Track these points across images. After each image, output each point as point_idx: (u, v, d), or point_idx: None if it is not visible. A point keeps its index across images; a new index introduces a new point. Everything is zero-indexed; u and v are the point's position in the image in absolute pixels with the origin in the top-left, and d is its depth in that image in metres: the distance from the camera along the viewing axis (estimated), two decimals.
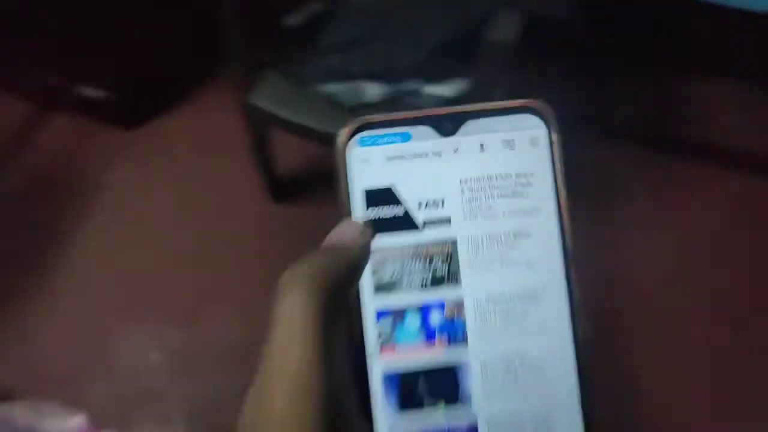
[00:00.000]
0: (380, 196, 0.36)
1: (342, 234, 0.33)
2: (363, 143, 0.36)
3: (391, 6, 1.27)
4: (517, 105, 0.37)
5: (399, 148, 0.36)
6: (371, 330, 0.35)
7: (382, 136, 0.36)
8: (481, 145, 0.36)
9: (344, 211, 0.36)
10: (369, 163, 0.36)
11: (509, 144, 0.37)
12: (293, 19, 1.13)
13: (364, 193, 0.36)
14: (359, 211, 0.36)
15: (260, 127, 1.11)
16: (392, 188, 0.36)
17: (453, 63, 1.16)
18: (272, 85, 1.13)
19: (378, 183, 0.36)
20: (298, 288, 0.29)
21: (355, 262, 0.32)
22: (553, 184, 0.36)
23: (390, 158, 0.36)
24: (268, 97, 1.12)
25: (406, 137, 0.36)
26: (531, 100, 0.37)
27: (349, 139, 0.36)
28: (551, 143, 0.36)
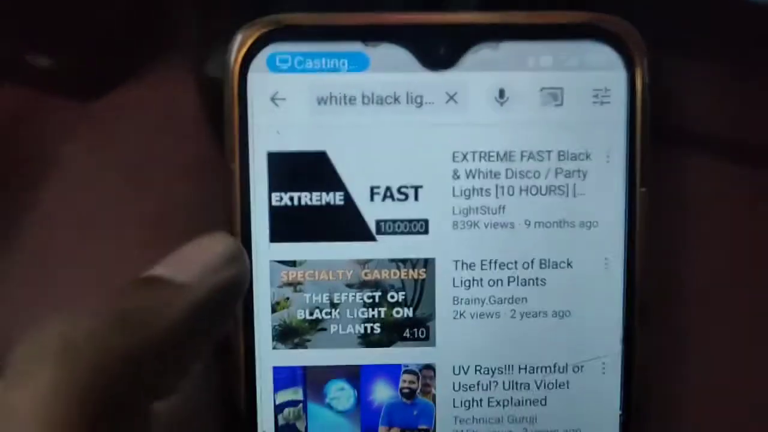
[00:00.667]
0: (301, 169, 0.19)
1: (186, 255, 0.16)
2: (275, 66, 0.19)
3: None
4: (574, 21, 0.19)
5: (344, 81, 0.19)
6: (263, 407, 0.20)
7: (313, 56, 0.19)
8: (501, 93, 0.19)
9: (234, 193, 0.19)
10: (285, 104, 0.19)
11: (553, 96, 0.19)
12: None
13: (271, 159, 0.19)
14: (262, 192, 0.19)
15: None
16: (325, 156, 0.19)
17: None
18: None
19: (299, 143, 0.19)
20: (35, 366, 0.13)
21: (190, 320, 0.15)
22: (627, 180, 0.19)
23: (324, 99, 0.19)
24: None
25: (359, 62, 0.19)
26: (600, 14, 0.19)
27: (251, 56, 0.19)
28: (634, 101, 0.19)
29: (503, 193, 0.20)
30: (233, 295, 0.17)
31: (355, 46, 0.19)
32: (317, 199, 0.19)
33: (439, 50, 0.19)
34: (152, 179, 0.28)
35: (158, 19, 0.26)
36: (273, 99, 0.19)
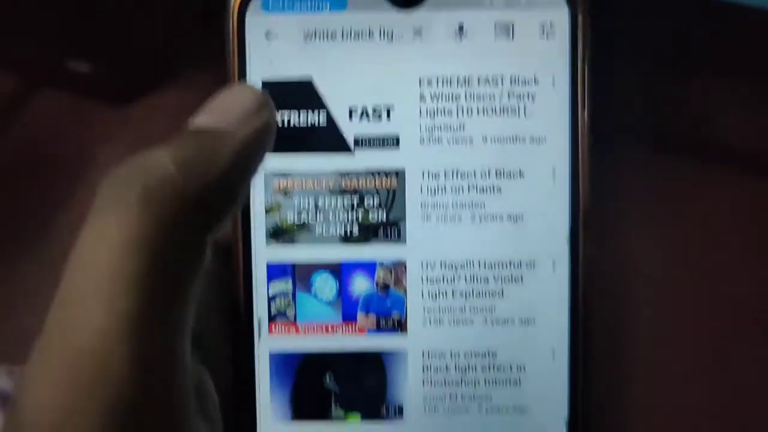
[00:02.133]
0: (290, 93, 0.23)
1: (222, 106, 0.19)
2: (268, 6, 0.23)
3: None
4: None
5: (326, 20, 0.23)
6: (259, 298, 0.23)
7: (301, 0, 0.23)
8: (460, 28, 0.23)
9: None
10: (277, 39, 0.23)
11: (505, 29, 0.23)
12: None
13: (265, 86, 0.23)
14: None
15: None
16: (311, 83, 0.23)
17: None
18: None
19: (288, 71, 0.23)
20: (117, 205, 0.16)
21: (237, 159, 0.18)
22: (571, 101, 0.23)
23: (310, 35, 0.23)
24: None
25: (339, 3, 0.23)
26: None
27: (248, 0, 0.23)
28: (575, 33, 0.23)
29: (463, 114, 0.23)
30: (267, 136, 0.19)
31: None
32: (304, 119, 0.23)
33: None
34: None
35: (193, 25, 0.29)
36: (266, 35, 0.23)
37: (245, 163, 0.18)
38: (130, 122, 0.33)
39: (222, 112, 0.18)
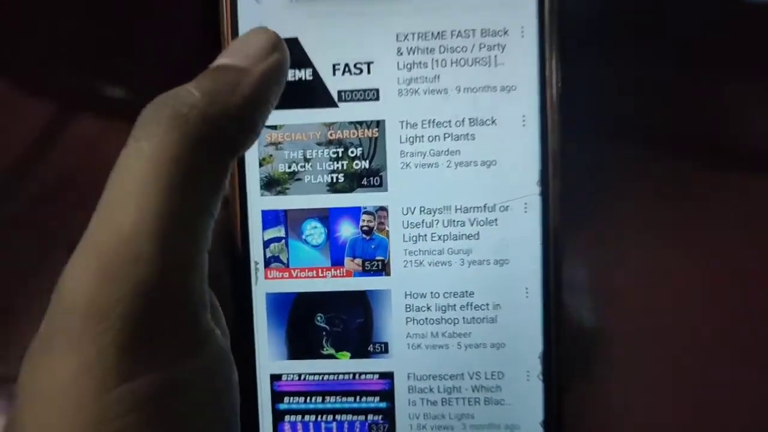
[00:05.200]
0: None
1: (240, 48, 0.21)
2: None
3: None
4: None
5: None
6: (254, 243, 0.25)
7: None
8: None
9: None
10: (265, 2, 0.25)
11: None
12: None
13: None
14: None
15: None
16: (297, 41, 0.25)
17: None
18: None
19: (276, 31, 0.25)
20: (151, 125, 0.19)
21: (254, 91, 0.20)
22: (539, 51, 0.24)
23: None
24: None
25: None
26: None
27: None
28: None
29: (438, 65, 0.24)
30: (281, 71, 0.21)
31: None
32: (291, 75, 0.25)
33: None
34: None
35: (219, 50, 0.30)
36: None
37: (263, 95, 0.20)
38: None
39: (241, 51, 0.21)
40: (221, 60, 0.21)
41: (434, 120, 0.24)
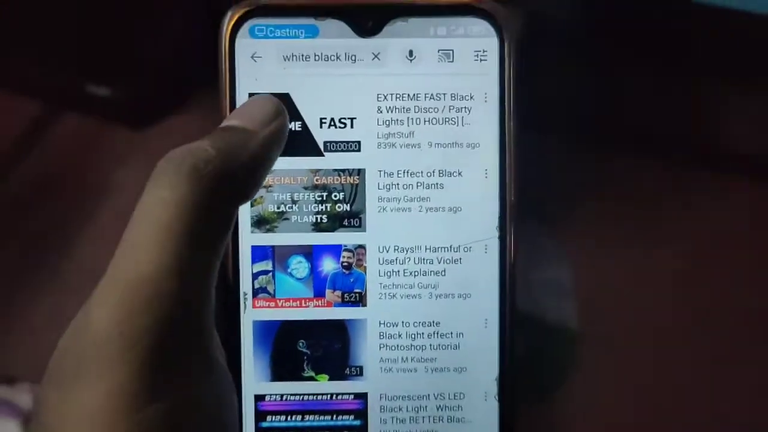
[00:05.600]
0: None
1: (248, 112, 0.24)
2: (254, 34, 0.28)
3: None
4: (460, 3, 0.28)
5: (301, 45, 0.28)
6: (244, 275, 0.28)
7: (281, 27, 0.28)
8: (410, 53, 0.28)
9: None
10: (261, 60, 0.28)
11: (447, 55, 0.28)
12: None
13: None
14: None
15: None
16: (289, 96, 0.28)
17: None
18: None
19: (270, 87, 0.28)
20: (171, 177, 0.21)
21: (260, 151, 0.24)
22: (500, 114, 0.28)
23: (288, 57, 0.28)
24: None
25: (312, 31, 0.28)
26: None
27: (238, 27, 0.27)
28: (503, 59, 0.28)
29: (412, 123, 0.28)
30: (283, 135, 0.25)
31: (309, 20, 0.28)
32: None
33: (367, 23, 0.28)
34: None
35: (206, 50, 0.32)
36: (252, 57, 0.28)
37: (267, 155, 0.24)
38: (147, 145, 0.35)
39: (249, 114, 0.24)
40: (232, 121, 0.24)
41: (408, 170, 0.28)
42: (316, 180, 0.28)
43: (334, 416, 0.28)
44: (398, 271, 0.28)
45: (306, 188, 0.28)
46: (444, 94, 0.28)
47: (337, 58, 0.28)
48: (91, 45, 0.27)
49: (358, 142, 0.28)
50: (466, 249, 0.28)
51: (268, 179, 0.28)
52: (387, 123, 0.28)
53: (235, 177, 0.22)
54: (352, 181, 0.28)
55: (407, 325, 0.28)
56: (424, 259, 0.28)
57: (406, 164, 0.28)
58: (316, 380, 0.28)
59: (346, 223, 0.28)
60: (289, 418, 0.28)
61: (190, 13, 0.28)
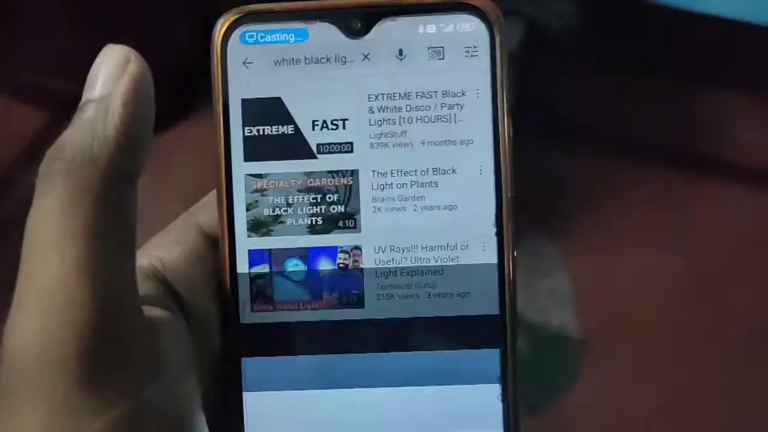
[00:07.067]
0: (264, 110, 0.28)
1: (92, 79, 0.22)
2: (245, 40, 0.28)
3: None
4: (448, 0, 0.27)
5: (291, 49, 0.28)
6: (242, 279, 0.28)
7: (271, 32, 0.28)
8: (400, 52, 0.28)
9: (218, 127, 0.28)
10: (252, 66, 0.28)
11: (437, 52, 0.28)
12: None
13: (243, 103, 0.28)
14: (237, 126, 0.28)
15: None
16: (280, 100, 0.28)
17: None
18: None
19: (262, 92, 0.28)
20: (49, 181, 0.20)
21: (126, 114, 0.21)
22: (492, 110, 0.27)
23: (279, 62, 0.28)
24: None
25: (301, 35, 0.28)
26: None
27: (228, 34, 0.28)
28: (494, 54, 0.27)
29: (404, 122, 0.28)
30: (140, 83, 0.22)
31: (299, 24, 0.28)
32: (275, 130, 0.28)
33: (356, 25, 0.28)
34: None
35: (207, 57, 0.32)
36: (244, 62, 0.28)
37: (134, 113, 0.22)
38: (156, 152, 0.37)
39: (95, 81, 0.22)
40: (84, 97, 0.22)
41: (402, 170, 0.28)
42: (310, 182, 0.28)
43: None
44: (394, 271, 0.28)
45: (300, 191, 0.28)
46: (435, 91, 0.28)
47: (327, 60, 0.28)
48: (94, 52, 0.28)
49: (351, 143, 0.28)
50: (463, 247, 0.28)
51: (263, 183, 0.28)
52: (379, 123, 0.28)
53: (110, 155, 0.21)
54: (345, 183, 0.28)
55: None
56: (420, 258, 0.28)
57: (400, 163, 0.28)
58: None
59: (342, 225, 0.28)
60: None
61: (192, 21, 0.28)
